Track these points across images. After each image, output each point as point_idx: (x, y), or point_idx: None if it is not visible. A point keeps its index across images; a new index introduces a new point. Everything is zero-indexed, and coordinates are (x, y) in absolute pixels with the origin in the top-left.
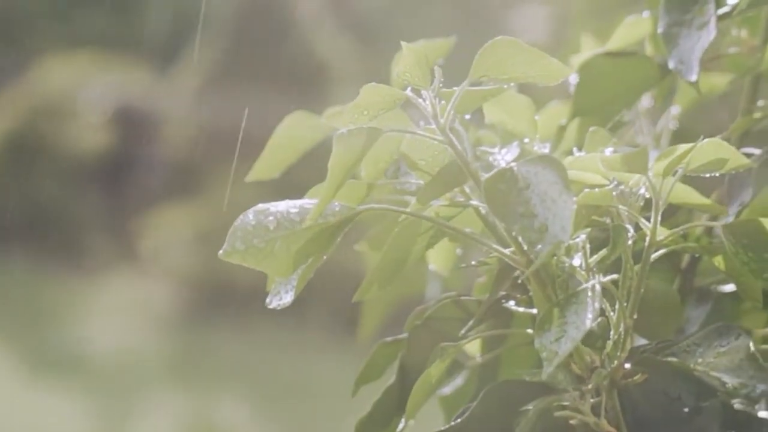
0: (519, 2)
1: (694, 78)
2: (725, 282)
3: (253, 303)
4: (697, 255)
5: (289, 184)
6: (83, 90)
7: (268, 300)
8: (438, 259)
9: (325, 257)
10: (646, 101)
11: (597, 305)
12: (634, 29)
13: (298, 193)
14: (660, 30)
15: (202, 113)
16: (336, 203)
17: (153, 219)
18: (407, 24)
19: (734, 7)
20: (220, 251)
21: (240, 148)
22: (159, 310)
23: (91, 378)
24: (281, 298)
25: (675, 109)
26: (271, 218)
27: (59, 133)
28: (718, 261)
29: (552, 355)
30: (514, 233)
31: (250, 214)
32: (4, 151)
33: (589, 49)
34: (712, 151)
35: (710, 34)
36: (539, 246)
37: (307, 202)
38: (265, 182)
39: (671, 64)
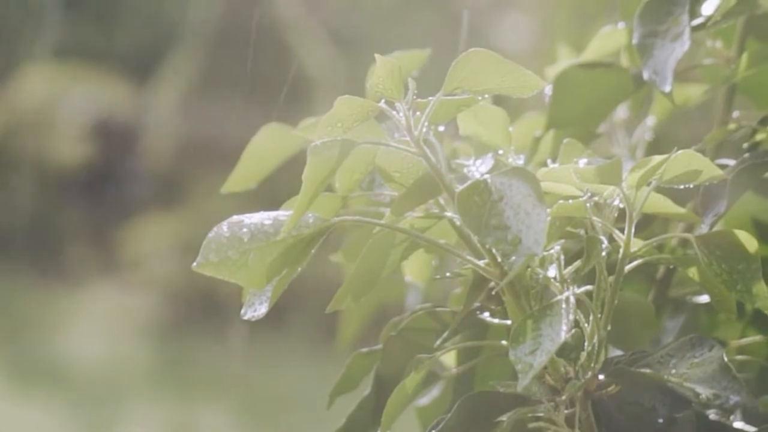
0: (504, 12)
1: (668, 89)
2: (700, 293)
3: (235, 313)
4: (671, 266)
5: (273, 195)
6: (63, 101)
7: (242, 311)
8: (413, 269)
9: (299, 269)
10: (621, 112)
11: (571, 317)
12: (609, 40)
13: (277, 206)
14: (634, 41)
15: (183, 124)
16: (310, 215)
17: (134, 230)
18: (390, 34)
19: (708, 18)
20: (194, 263)
21: (221, 159)
22: (141, 320)
23: (73, 388)
24: (255, 309)
25: (650, 120)
26: (245, 230)
27: (40, 144)
28: (693, 272)
29: (527, 367)
30: (487, 245)
31: (224, 226)
32: None
33: (565, 59)
34: (686, 162)
35: (684, 45)
36: (513, 258)
37: (282, 213)
38: (248, 193)
39: (645, 75)
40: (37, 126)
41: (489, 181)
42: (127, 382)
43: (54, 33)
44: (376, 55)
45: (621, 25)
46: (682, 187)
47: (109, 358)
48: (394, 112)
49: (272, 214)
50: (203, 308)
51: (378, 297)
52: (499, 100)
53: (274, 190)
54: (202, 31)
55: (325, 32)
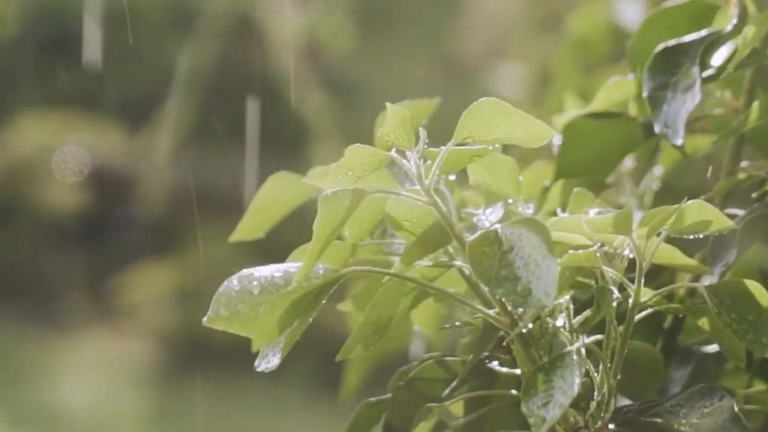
0: (499, 59)
1: (679, 142)
2: (708, 342)
3: (231, 361)
4: (681, 315)
5: (270, 243)
6: (59, 149)
7: (256, 363)
8: (422, 319)
9: (310, 319)
10: (628, 162)
11: (583, 369)
12: (617, 91)
13: (275, 252)
14: (645, 93)
15: (179, 172)
16: (320, 265)
17: (129, 278)
18: (385, 81)
19: (719, 69)
20: (204, 318)
21: (217, 207)
22: (136, 368)
23: None
24: (269, 361)
25: (658, 170)
26: (255, 283)
27: (35, 192)
28: (703, 322)
29: (540, 420)
30: (497, 297)
31: (234, 280)
32: None
33: (572, 108)
34: (696, 212)
35: (695, 97)
36: (522, 309)
37: (291, 265)
38: (244, 241)
39: (657, 128)
40: (32, 174)
41: (499, 231)
42: (122, 430)
43: (48, 81)
44: (387, 104)
45: (630, 76)
46: (692, 237)
47: (103, 406)
48: (405, 161)
49: (282, 266)
50: (199, 356)
51: (383, 345)
52: (506, 148)
53: (271, 238)
54: (198, 78)
55: (320, 80)
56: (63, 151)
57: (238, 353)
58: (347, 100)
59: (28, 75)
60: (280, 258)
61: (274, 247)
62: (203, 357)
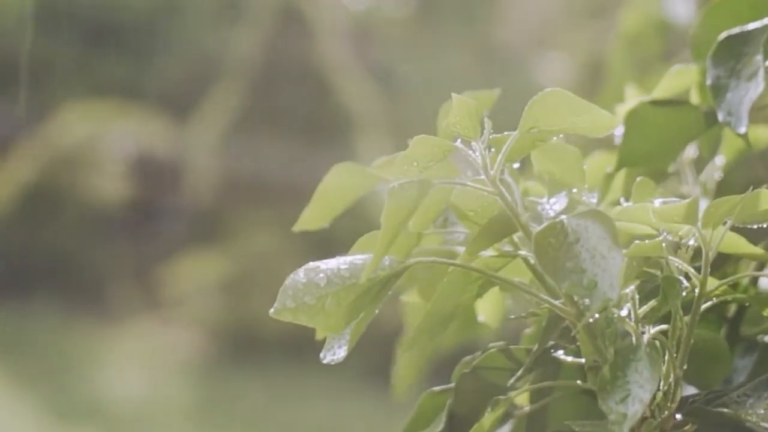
0: (541, 49)
1: (743, 130)
2: None
3: (277, 350)
4: (747, 305)
5: (313, 233)
6: (104, 139)
7: (321, 355)
8: (487, 309)
9: (377, 311)
10: (690, 151)
11: (660, 362)
12: (680, 78)
13: (322, 242)
14: (708, 82)
15: (224, 161)
16: (386, 257)
17: (175, 267)
18: (430, 71)
19: None
20: (271, 310)
21: (262, 195)
22: (182, 358)
23: (115, 425)
24: (335, 353)
25: (719, 160)
26: (321, 275)
27: (81, 181)
28: None
29: (621, 417)
30: (563, 290)
31: (300, 272)
32: (27, 199)
33: (633, 98)
34: (762, 202)
35: (759, 86)
36: (588, 302)
37: (357, 257)
38: (288, 230)
39: (720, 116)
40: (77, 164)
41: (565, 222)
42: (168, 419)
43: (94, 70)
44: (453, 95)
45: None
46: (755, 227)
47: (150, 396)
48: (470, 152)
49: (348, 258)
50: (245, 345)
51: (444, 339)
52: (567, 137)
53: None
54: (243, 67)
55: (366, 69)
56: (109, 141)
57: (285, 343)
58: (392, 89)
59: (74, 64)
60: (327, 247)
61: (321, 237)
62: (250, 346)
